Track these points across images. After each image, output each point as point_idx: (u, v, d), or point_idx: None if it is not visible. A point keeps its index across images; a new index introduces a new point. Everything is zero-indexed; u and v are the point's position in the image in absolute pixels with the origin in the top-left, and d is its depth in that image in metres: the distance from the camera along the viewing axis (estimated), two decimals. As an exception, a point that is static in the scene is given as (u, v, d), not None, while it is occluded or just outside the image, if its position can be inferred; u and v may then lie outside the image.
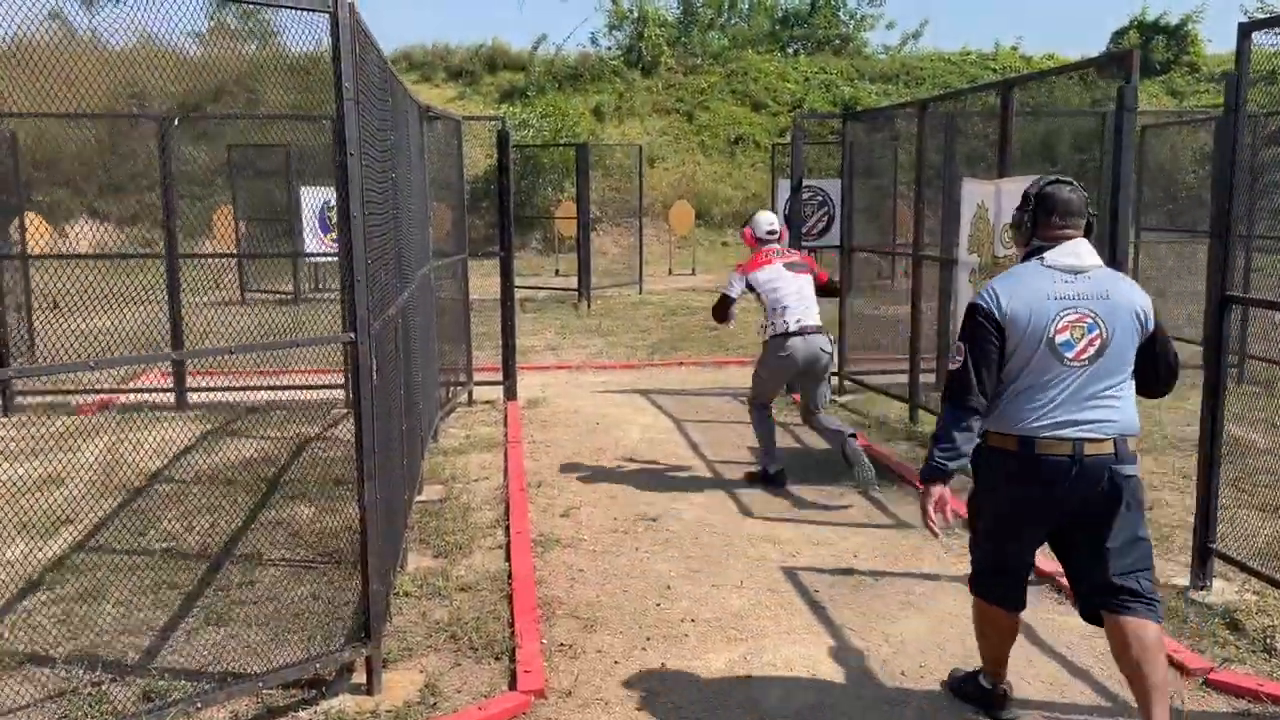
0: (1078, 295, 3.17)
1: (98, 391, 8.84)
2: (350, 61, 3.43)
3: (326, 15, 3.37)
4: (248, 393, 8.47)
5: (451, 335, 8.39)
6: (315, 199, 12.92)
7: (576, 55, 28.67)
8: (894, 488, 6.32)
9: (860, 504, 6.07)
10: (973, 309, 3.23)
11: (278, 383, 8.71)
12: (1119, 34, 29.42)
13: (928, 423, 7.79)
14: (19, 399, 8.58)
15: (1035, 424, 3.14)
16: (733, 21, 32.36)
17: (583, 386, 9.69)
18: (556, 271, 19.78)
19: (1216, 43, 30.54)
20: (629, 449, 7.37)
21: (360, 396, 3.58)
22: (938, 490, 3.27)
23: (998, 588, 3.39)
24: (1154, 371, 3.25)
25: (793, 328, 6.27)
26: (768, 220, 6.73)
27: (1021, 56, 29.57)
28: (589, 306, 15.32)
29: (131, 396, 8.75)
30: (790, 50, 31.44)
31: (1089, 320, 3.14)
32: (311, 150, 14.56)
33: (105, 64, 4.51)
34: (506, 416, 8.27)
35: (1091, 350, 3.14)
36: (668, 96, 27.89)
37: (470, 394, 8.77)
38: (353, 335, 3.55)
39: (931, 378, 8.69)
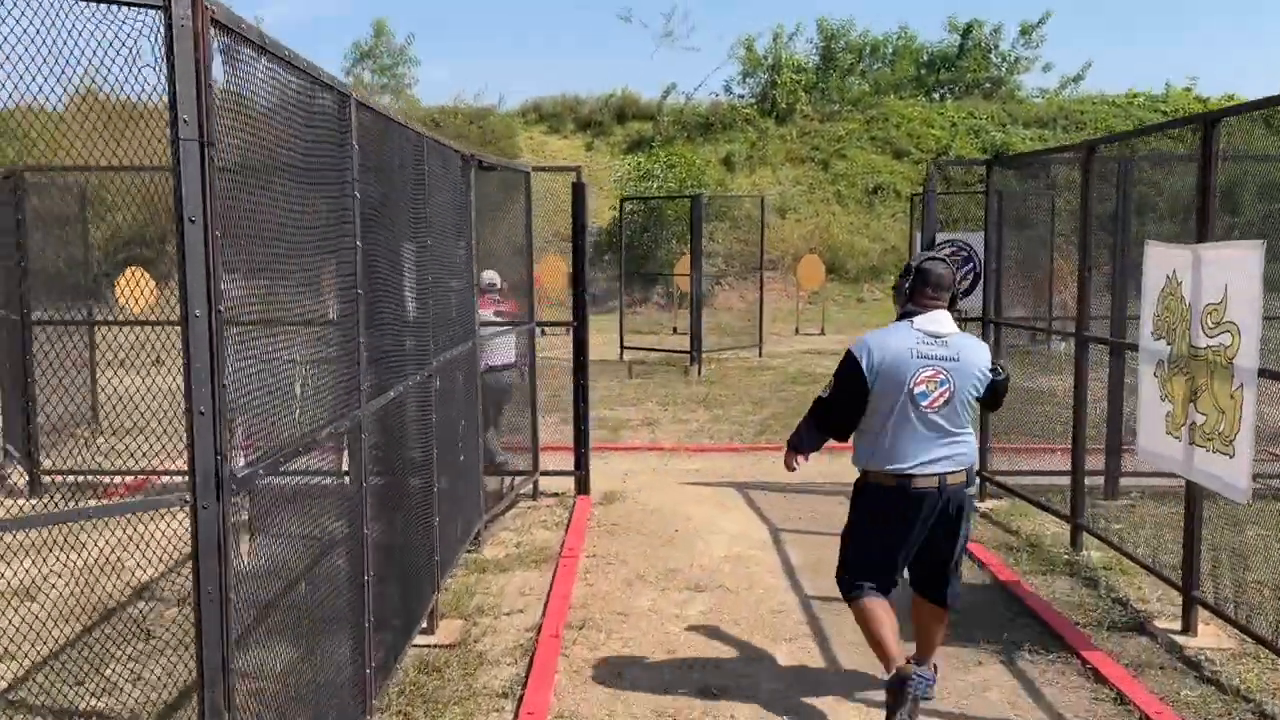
0: (935, 356, 3.88)
1: (130, 473, 8.01)
2: (195, 82, 2.25)
3: (154, 11, 2.21)
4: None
5: (511, 417, 7.21)
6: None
7: (708, 104, 27.67)
8: (1046, 659, 4.69)
9: (1001, 679, 4.48)
10: (848, 357, 3.98)
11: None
12: (1313, 70, 26.35)
13: (1095, 550, 6.08)
14: (46, 478, 7.83)
15: (911, 463, 3.89)
16: (874, 66, 30.79)
17: (672, 475, 8.33)
18: (674, 329, 18.52)
19: None
20: (707, 570, 5.96)
21: (201, 580, 2.35)
22: (793, 454, 4.26)
23: (869, 584, 4.04)
24: (991, 403, 4.19)
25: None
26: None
27: (1197, 98, 26.86)
28: (699, 372, 13.97)
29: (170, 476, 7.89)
30: (936, 95, 29.62)
31: (942, 376, 3.87)
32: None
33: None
34: (572, 517, 6.98)
35: (941, 400, 3.88)
36: (802, 145, 26.51)
37: (536, 485, 7.53)
38: (190, 496, 2.33)
39: (1100, 479, 7.01)
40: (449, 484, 5.27)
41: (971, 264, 15.49)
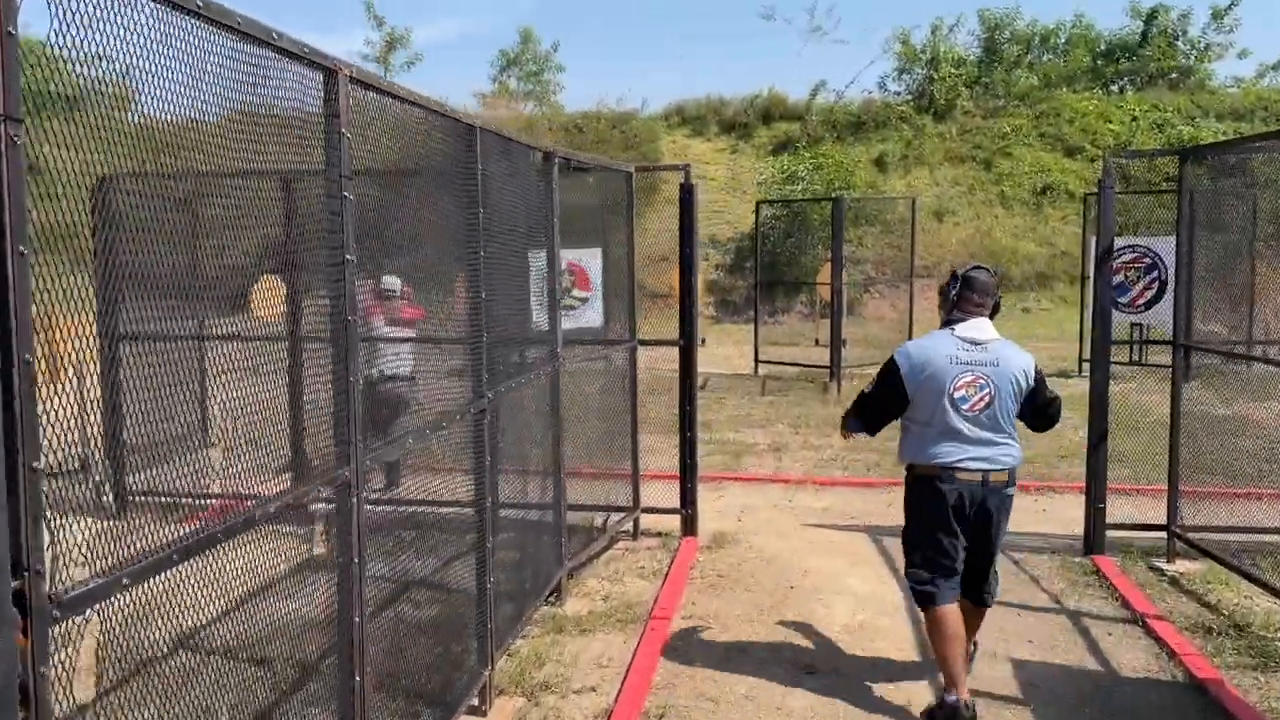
0: (975, 362, 4.11)
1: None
2: None
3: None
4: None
5: (607, 445, 6.41)
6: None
7: (860, 102, 26.25)
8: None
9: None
10: (890, 360, 4.24)
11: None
12: None
13: (1324, 643, 4.78)
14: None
15: (954, 459, 4.09)
16: (1044, 58, 28.60)
17: (795, 513, 7.35)
18: (816, 341, 17.36)
19: None
20: (824, 644, 4.99)
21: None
22: (846, 432, 4.57)
23: (934, 587, 4.15)
24: (1038, 418, 4.26)
25: None
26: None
27: None
28: (839, 390, 12.85)
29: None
30: (1114, 87, 27.24)
31: (982, 381, 4.09)
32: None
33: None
34: (673, 564, 6.12)
35: (981, 405, 4.09)
36: (962, 143, 24.77)
37: (636, 524, 6.71)
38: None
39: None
40: (513, 535, 4.50)
41: (1156, 272, 13.78)
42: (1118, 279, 13.96)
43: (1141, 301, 13.45)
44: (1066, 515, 7.13)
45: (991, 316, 4.19)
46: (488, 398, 4.10)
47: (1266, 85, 26.79)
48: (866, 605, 5.50)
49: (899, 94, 26.58)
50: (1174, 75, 26.56)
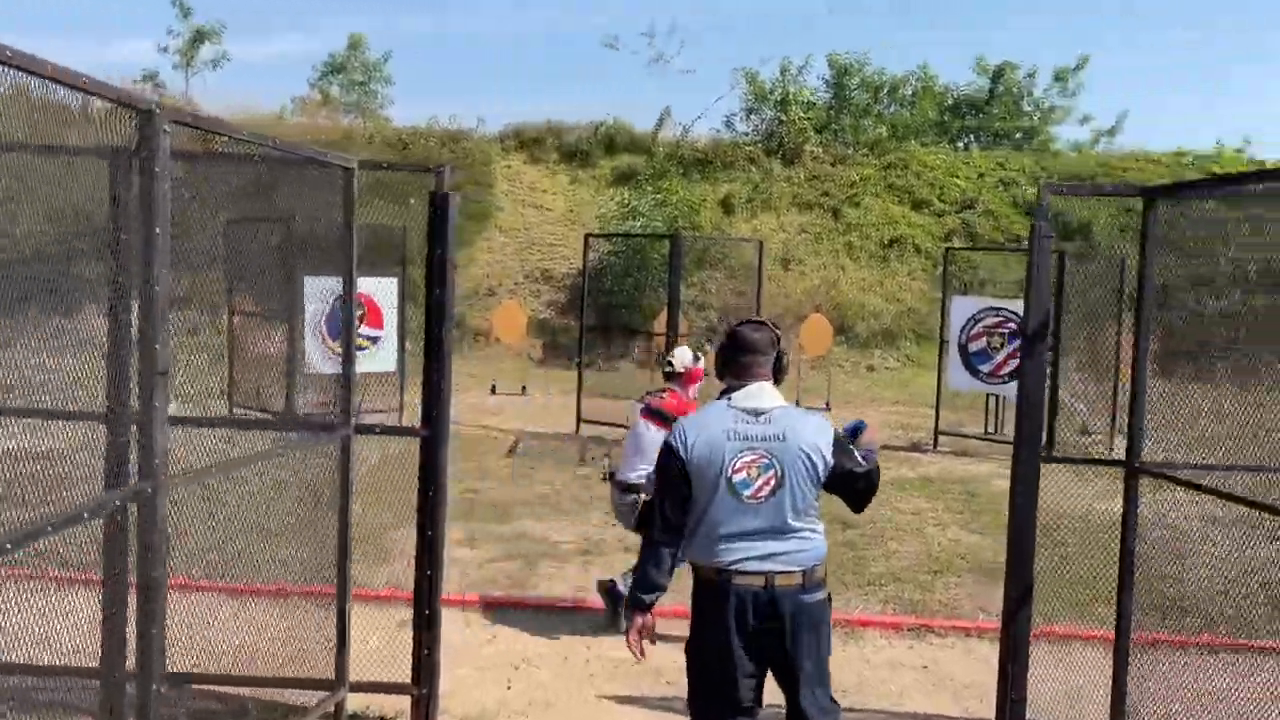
0: (756, 437, 3.35)
1: None
2: None
3: None
4: None
5: (291, 579, 4.08)
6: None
7: (707, 139, 24.84)
8: None
9: None
10: (665, 446, 3.46)
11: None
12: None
13: None
14: None
15: (731, 559, 3.31)
16: (891, 109, 28.03)
17: (598, 666, 5.21)
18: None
19: None
20: None
21: None
22: (639, 619, 3.46)
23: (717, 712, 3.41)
24: (851, 499, 3.51)
25: None
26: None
27: (1251, 160, 24.07)
28: (671, 463, 10.83)
29: None
30: (961, 143, 26.84)
31: (765, 461, 3.33)
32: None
33: None
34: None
35: (767, 489, 3.32)
36: (810, 189, 23.63)
37: (340, 710, 4.36)
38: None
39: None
40: None
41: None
42: (978, 345, 12.61)
43: (1005, 371, 12.08)
44: (957, 675, 5.29)
45: (777, 380, 3.54)
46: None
47: (1102, 150, 26.96)
48: None
49: (747, 134, 25.33)
50: (1019, 135, 26.35)
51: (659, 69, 41.39)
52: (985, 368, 12.34)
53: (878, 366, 20.13)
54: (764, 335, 3.55)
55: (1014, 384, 11.88)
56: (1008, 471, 4.31)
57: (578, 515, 8.43)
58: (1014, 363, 12.03)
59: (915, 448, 12.59)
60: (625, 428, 11.87)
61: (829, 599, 3.45)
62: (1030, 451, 4.18)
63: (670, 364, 5.98)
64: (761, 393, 3.45)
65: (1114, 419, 12.08)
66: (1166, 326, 4.93)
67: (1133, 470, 4.23)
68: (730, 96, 35.86)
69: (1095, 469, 5.63)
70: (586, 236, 15.44)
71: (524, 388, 16.23)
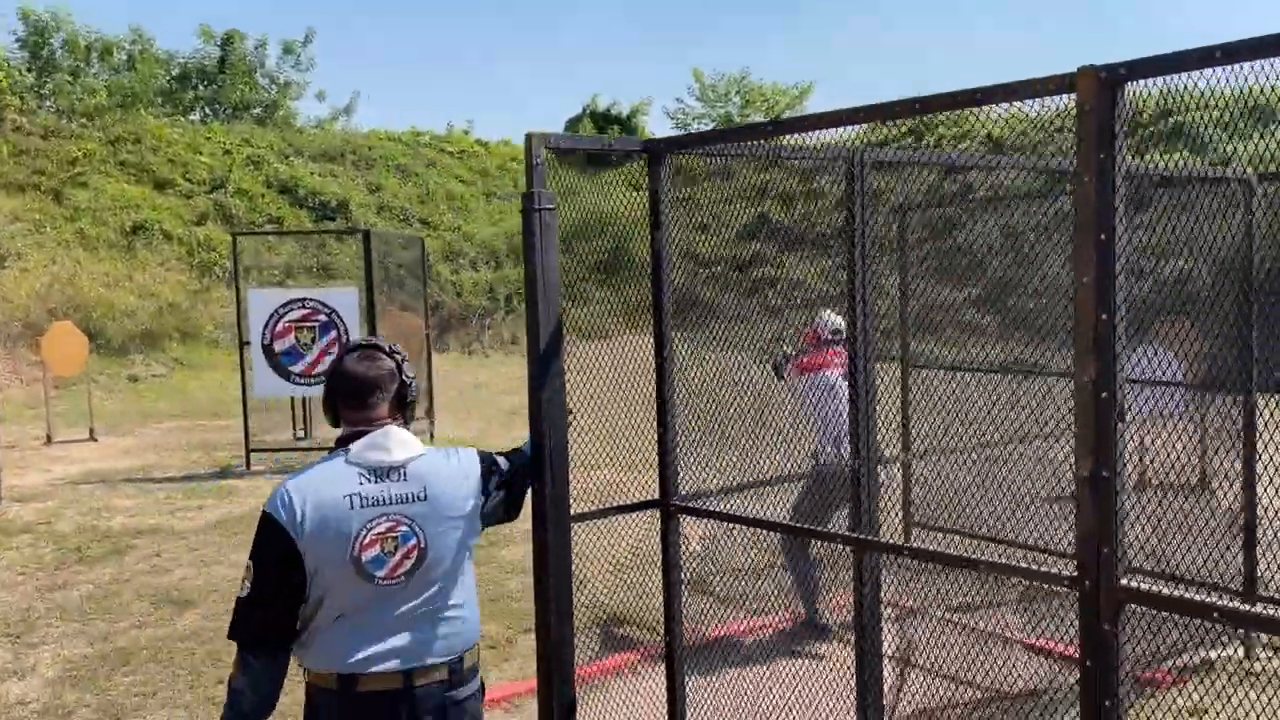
0: (390, 500, 2.59)
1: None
2: None
3: None
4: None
5: None
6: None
7: None
8: None
9: None
10: (264, 520, 2.56)
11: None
12: (574, 121, 27.58)
13: None
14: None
15: (356, 659, 2.54)
16: (106, 75, 24.39)
17: None
18: None
19: (661, 131, 30.61)
20: None
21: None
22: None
23: None
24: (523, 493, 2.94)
25: None
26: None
27: (478, 141, 26.20)
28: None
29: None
30: (195, 115, 24.46)
31: (404, 529, 2.58)
32: None
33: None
34: None
35: (408, 564, 2.58)
36: (20, 167, 19.34)
37: None
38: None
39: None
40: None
41: (334, 332, 11.36)
42: (287, 342, 11.23)
43: (319, 371, 10.91)
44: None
45: (407, 419, 2.72)
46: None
47: (341, 128, 26.93)
48: None
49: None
50: (259, 110, 24.90)
51: None
52: (297, 368, 11.00)
53: (142, 376, 17.32)
54: (380, 366, 2.72)
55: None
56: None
57: None
58: (329, 359, 10.93)
59: (225, 474, 10.73)
60: None
61: (482, 689, 2.76)
62: (561, 511, 3.17)
63: None
64: (388, 440, 2.66)
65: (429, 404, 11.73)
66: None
67: (669, 511, 3.49)
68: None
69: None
70: None
71: None
